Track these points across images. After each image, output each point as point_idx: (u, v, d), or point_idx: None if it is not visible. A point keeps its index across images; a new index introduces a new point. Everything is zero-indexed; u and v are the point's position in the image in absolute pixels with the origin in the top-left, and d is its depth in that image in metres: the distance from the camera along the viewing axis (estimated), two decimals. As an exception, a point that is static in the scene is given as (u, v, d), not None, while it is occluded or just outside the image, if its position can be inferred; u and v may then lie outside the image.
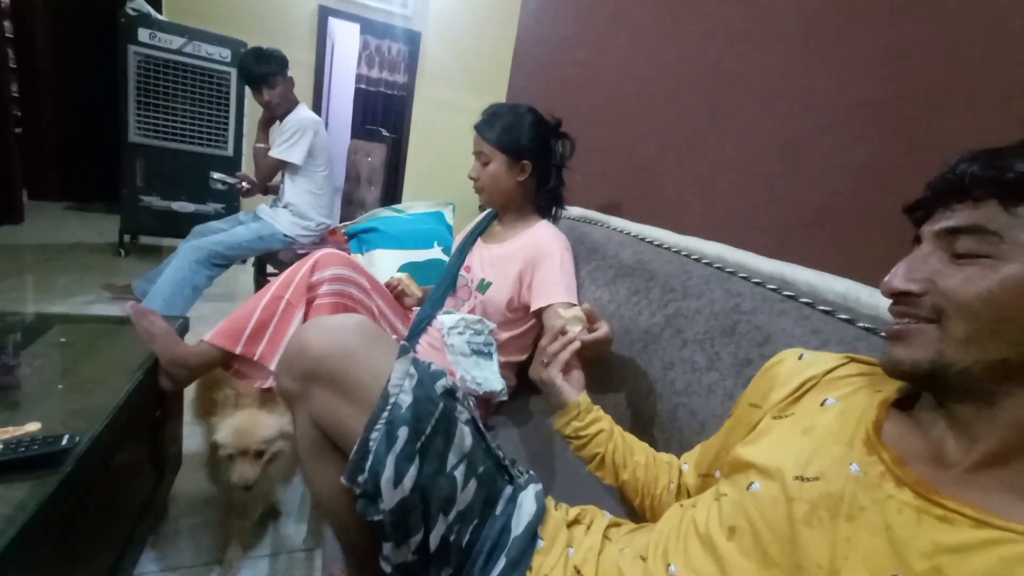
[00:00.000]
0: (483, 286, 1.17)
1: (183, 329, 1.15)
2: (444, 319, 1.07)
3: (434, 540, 0.60)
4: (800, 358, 0.57)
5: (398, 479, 0.57)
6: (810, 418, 0.50)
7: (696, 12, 1.26)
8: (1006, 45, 0.66)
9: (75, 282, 2.48)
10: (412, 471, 0.58)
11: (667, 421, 0.83)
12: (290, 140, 2.08)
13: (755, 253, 0.93)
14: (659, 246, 1.10)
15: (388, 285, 1.33)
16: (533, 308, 1.10)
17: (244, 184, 2.20)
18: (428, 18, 3.88)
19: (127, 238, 3.05)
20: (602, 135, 1.62)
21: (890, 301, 0.46)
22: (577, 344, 0.78)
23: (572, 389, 0.77)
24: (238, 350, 1.03)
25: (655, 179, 1.37)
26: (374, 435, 0.58)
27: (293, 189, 2.16)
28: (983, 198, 0.41)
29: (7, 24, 3.52)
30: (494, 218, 1.30)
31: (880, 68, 0.81)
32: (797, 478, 0.46)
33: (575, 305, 1.06)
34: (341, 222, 2.35)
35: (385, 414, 0.59)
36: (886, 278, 0.45)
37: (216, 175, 2.21)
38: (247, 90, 3.03)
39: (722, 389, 0.76)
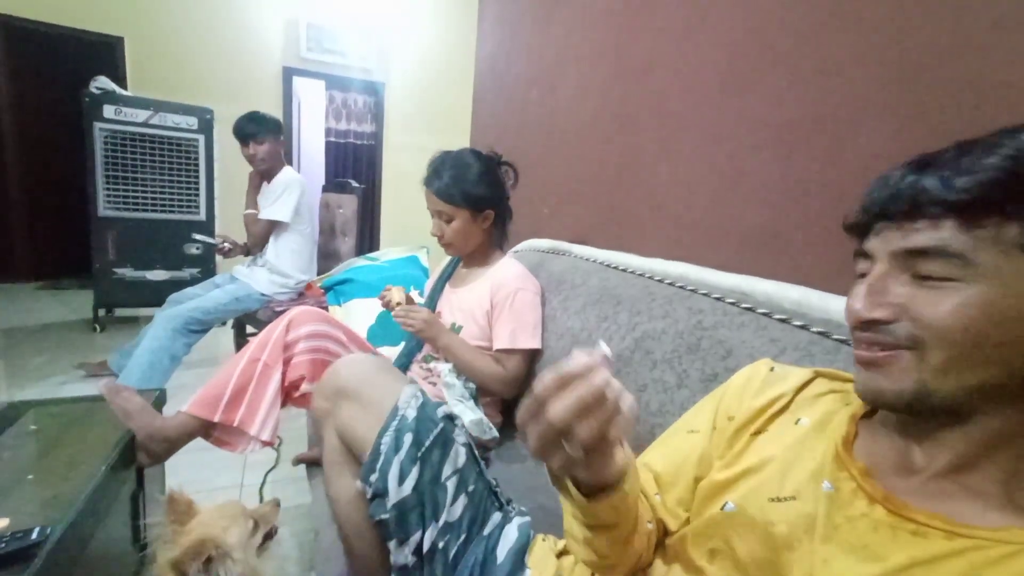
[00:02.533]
0: (455, 330, 1.19)
1: (160, 401, 1.13)
2: (442, 363, 1.10)
3: (427, 543, 0.68)
4: (772, 370, 0.58)
5: (402, 478, 0.68)
6: (784, 437, 0.50)
7: (637, 45, 1.34)
8: (926, 62, 0.72)
9: (49, 363, 2.43)
10: (414, 473, 0.69)
11: (646, 443, 0.84)
12: (279, 199, 2.14)
13: (715, 269, 0.96)
14: (623, 271, 1.13)
15: (383, 298, 1.31)
16: (494, 349, 1.13)
17: (226, 245, 2.22)
18: (389, 69, 4.02)
19: (102, 312, 3.01)
20: (564, 167, 1.68)
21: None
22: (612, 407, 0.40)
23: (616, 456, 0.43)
24: (217, 418, 1.02)
25: (616, 206, 1.42)
26: (385, 439, 0.70)
27: (276, 247, 2.20)
28: (939, 217, 0.39)
29: (-30, 111, 3.55)
30: (459, 262, 1.33)
31: (808, 88, 0.87)
32: (773, 499, 0.46)
33: (515, 351, 1.13)
34: (318, 275, 2.36)
35: (394, 423, 0.71)
36: (851, 303, 0.42)
37: (198, 237, 2.24)
38: (216, 154, 3.08)
39: (693, 405, 0.78)
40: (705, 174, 1.10)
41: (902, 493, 0.41)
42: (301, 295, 2.26)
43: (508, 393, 1.16)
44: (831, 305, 0.74)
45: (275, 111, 3.70)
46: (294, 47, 3.69)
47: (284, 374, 1.09)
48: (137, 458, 0.99)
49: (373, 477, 0.70)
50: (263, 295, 2.13)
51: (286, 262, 2.20)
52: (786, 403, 0.53)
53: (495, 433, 1.05)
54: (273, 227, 2.18)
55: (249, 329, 2.32)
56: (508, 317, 1.14)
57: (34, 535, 0.61)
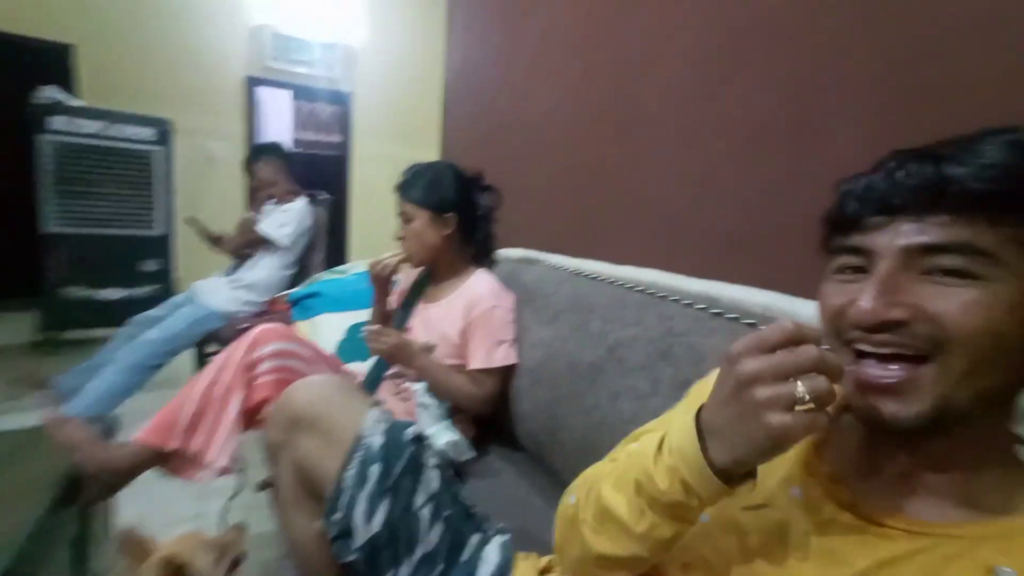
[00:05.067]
0: (427, 349, 1.16)
1: (112, 429, 1.06)
2: (415, 383, 1.08)
3: None
4: None
5: (370, 515, 0.62)
6: None
7: (608, 52, 1.35)
8: (896, 67, 0.73)
9: (-9, 390, 2.27)
10: (383, 507, 0.63)
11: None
12: (285, 223, 2.18)
13: (686, 275, 0.97)
14: (595, 279, 1.13)
15: (375, 265, 1.26)
16: (468, 368, 1.11)
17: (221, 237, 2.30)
18: (356, 79, 3.97)
19: (51, 334, 2.85)
20: (536, 176, 1.68)
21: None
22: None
23: None
24: (172, 446, 0.96)
25: (588, 214, 1.42)
26: (348, 473, 0.64)
27: (256, 264, 2.19)
28: (964, 210, 0.35)
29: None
30: (428, 277, 1.30)
31: (777, 94, 0.88)
32: (746, 508, 0.45)
33: (492, 369, 1.10)
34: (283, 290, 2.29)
35: (359, 454, 0.66)
36: (861, 303, 0.37)
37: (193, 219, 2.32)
38: (176, 167, 2.99)
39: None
40: (676, 180, 1.11)
41: (866, 495, 0.41)
42: (265, 312, 2.19)
43: (484, 411, 1.14)
44: (798, 309, 0.74)
45: (238, 122, 3.61)
46: (258, 56, 3.61)
47: (247, 396, 1.04)
48: (83, 494, 0.92)
49: (337, 516, 0.64)
50: (225, 313, 2.05)
51: (261, 282, 2.17)
52: None
53: (472, 453, 1.03)
54: (264, 244, 2.19)
55: (212, 347, 2.23)
56: (484, 336, 1.12)
57: (-42, 587, 0.55)
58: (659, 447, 0.41)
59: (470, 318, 1.14)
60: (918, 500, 0.39)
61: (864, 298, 0.37)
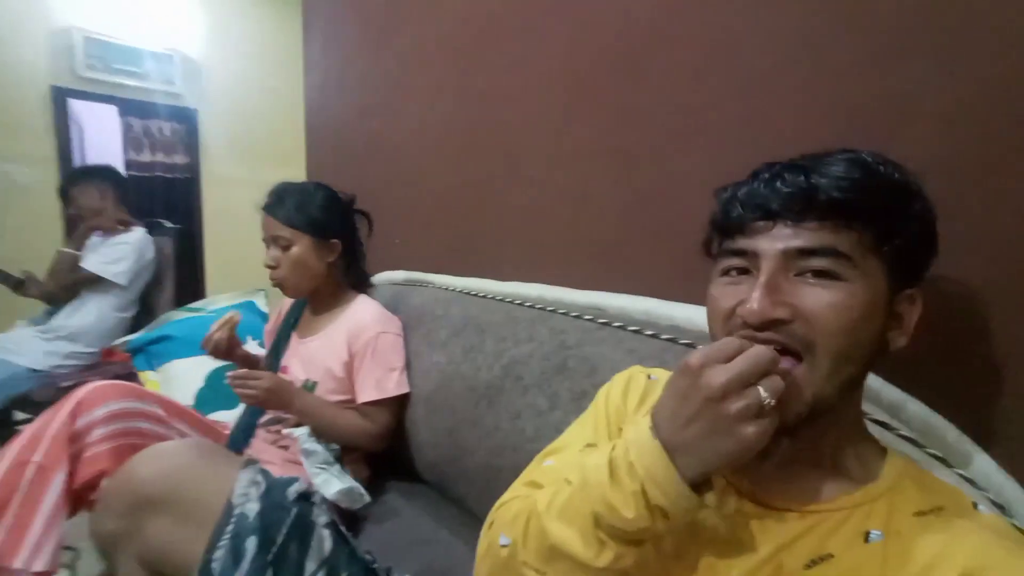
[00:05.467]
0: (308, 388, 1.05)
1: None
2: (296, 429, 0.95)
3: None
4: (650, 378, 0.58)
5: None
6: None
7: (478, 73, 1.36)
8: (745, 86, 0.82)
9: None
10: None
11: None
12: (119, 258, 1.84)
13: (571, 287, 1.00)
14: (484, 297, 1.12)
15: (207, 342, 1.09)
16: (358, 402, 1.03)
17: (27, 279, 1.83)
18: (202, 94, 3.56)
19: None
20: (415, 196, 1.63)
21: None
22: None
23: None
24: (-41, 553, 0.74)
25: (472, 233, 1.41)
26: (217, 554, 0.54)
27: (82, 309, 1.82)
28: (828, 217, 0.40)
29: None
30: (304, 307, 1.19)
31: (640, 113, 0.95)
32: None
33: (383, 401, 1.03)
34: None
35: (230, 527, 0.56)
36: (751, 304, 0.39)
37: None
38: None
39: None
40: (554, 196, 1.15)
41: (761, 482, 0.44)
42: (96, 365, 1.83)
43: (379, 448, 1.06)
44: (675, 312, 0.80)
45: (45, 141, 3.02)
46: (67, 64, 3.05)
47: (72, 475, 0.84)
48: None
49: None
50: (35, 371, 1.67)
51: (88, 329, 1.79)
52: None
53: (367, 498, 0.94)
54: (91, 284, 1.82)
55: (22, 415, 1.79)
56: (372, 366, 1.04)
57: None
58: (611, 474, 0.38)
59: (355, 348, 1.05)
60: (803, 481, 0.43)
61: (753, 299, 0.40)
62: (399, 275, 1.47)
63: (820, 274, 0.39)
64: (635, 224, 0.96)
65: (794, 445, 0.44)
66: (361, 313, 1.11)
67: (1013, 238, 0.53)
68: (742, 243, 0.43)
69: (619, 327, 0.83)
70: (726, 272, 0.45)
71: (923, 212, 0.43)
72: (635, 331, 0.80)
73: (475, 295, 1.14)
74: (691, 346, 0.73)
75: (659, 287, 0.89)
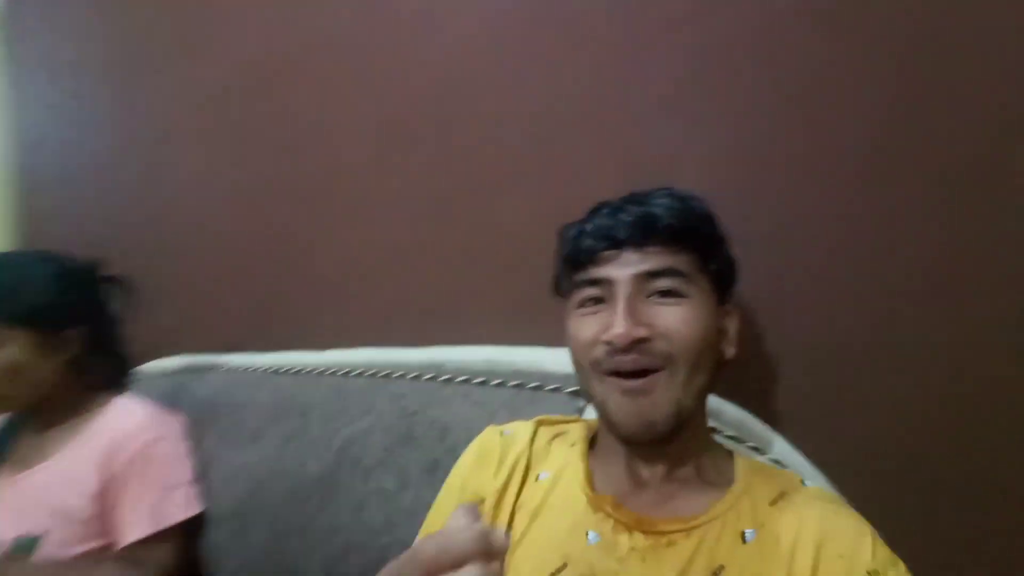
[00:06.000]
0: (24, 546, 0.72)
1: None
2: None
3: None
4: (503, 434, 0.55)
5: None
6: (533, 501, 0.48)
7: (266, 118, 1.22)
8: (553, 136, 0.87)
9: None
10: None
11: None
12: None
13: (403, 347, 0.91)
14: (301, 372, 0.96)
15: None
16: (122, 546, 0.76)
17: None
18: None
19: None
20: (193, 259, 1.35)
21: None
22: None
23: None
24: None
25: (273, 298, 1.22)
26: None
27: None
28: (667, 242, 0.45)
29: None
30: (18, 427, 0.85)
31: (455, 162, 0.94)
32: None
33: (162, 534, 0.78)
34: None
35: None
36: (616, 329, 0.42)
37: None
38: None
39: (423, 505, 0.68)
40: (372, 250, 1.06)
41: (643, 508, 0.44)
42: None
43: None
44: (516, 358, 0.79)
45: None
46: None
47: None
48: None
49: None
50: None
51: None
52: (525, 464, 0.51)
53: None
54: None
55: None
56: (142, 489, 0.77)
57: None
58: None
59: (114, 469, 0.78)
60: (679, 499, 0.44)
61: (617, 323, 0.42)
62: (175, 362, 1.18)
63: (666, 294, 0.44)
64: (464, 272, 0.94)
65: (665, 465, 0.45)
66: (120, 420, 0.83)
67: (764, 265, 0.64)
68: (595, 272, 0.46)
69: (463, 381, 0.78)
70: (582, 304, 0.48)
71: (725, 237, 0.51)
72: (480, 383, 0.76)
73: (288, 372, 0.97)
74: (539, 389, 0.72)
75: (497, 334, 0.87)
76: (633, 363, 0.42)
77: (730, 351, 0.49)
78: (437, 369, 0.82)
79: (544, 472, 0.50)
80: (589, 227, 0.48)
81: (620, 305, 0.43)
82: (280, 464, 0.81)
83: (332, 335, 1.08)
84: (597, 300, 0.46)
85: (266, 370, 1.00)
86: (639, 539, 0.42)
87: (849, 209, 0.62)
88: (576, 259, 0.48)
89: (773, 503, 0.43)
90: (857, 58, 0.62)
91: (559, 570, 0.43)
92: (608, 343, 0.43)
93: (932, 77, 0.58)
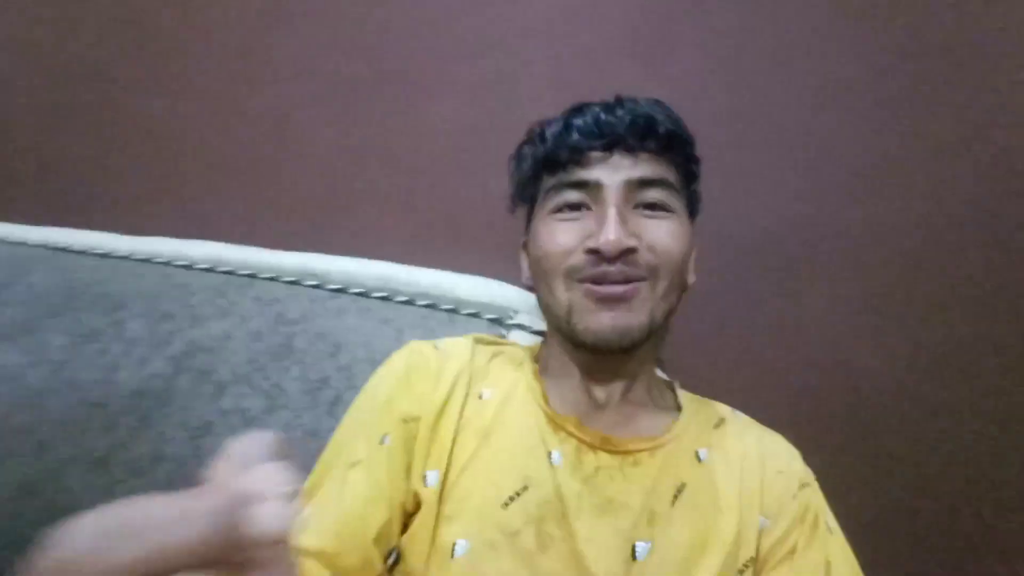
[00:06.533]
0: None
1: None
2: None
3: None
4: (436, 348, 0.47)
5: None
6: (480, 420, 0.42)
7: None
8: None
9: None
10: None
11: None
12: None
13: (261, 247, 0.74)
14: (109, 256, 0.70)
15: None
16: None
17: None
18: None
19: None
20: None
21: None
22: None
23: None
24: None
25: (58, 157, 0.87)
26: None
27: None
28: (663, 150, 0.41)
29: None
30: None
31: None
32: (505, 504, 0.37)
33: None
34: None
35: None
36: (608, 235, 0.38)
37: None
38: None
39: (305, 429, 0.56)
40: (234, 132, 0.83)
41: (607, 427, 0.42)
42: None
43: None
44: (420, 278, 0.70)
45: None
46: None
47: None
48: None
49: None
50: None
51: None
52: (467, 381, 0.45)
53: None
54: None
55: None
56: None
57: None
58: None
59: None
60: (639, 420, 0.43)
61: (609, 229, 0.38)
62: None
63: (652, 206, 0.41)
64: (357, 175, 0.80)
65: (621, 385, 0.44)
66: None
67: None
68: (581, 175, 0.41)
69: (360, 294, 0.66)
70: (559, 209, 0.43)
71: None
72: (382, 298, 0.66)
73: (87, 254, 0.70)
74: (454, 312, 0.64)
75: (387, 250, 0.75)
76: (619, 273, 0.39)
77: (691, 277, 0.47)
78: (319, 278, 0.68)
79: (487, 390, 0.44)
80: (580, 122, 0.42)
81: (611, 211, 0.39)
82: (72, 369, 0.58)
83: (146, 219, 0.82)
84: (576, 206, 0.42)
85: (47, 246, 0.71)
86: (605, 458, 0.40)
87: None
88: (557, 158, 0.42)
89: (716, 427, 0.45)
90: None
91: (520, 492, 0.38)
92: (594, 251, 0.39)
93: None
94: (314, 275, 0.69)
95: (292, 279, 0.67)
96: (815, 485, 0.42)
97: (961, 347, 0.59)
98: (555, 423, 0.42)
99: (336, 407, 0.54)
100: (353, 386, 0.53)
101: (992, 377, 0.58)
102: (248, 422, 0.56)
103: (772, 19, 0.65)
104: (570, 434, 0.41)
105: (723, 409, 0.48)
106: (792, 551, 0.38)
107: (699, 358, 0.64)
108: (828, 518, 0.41)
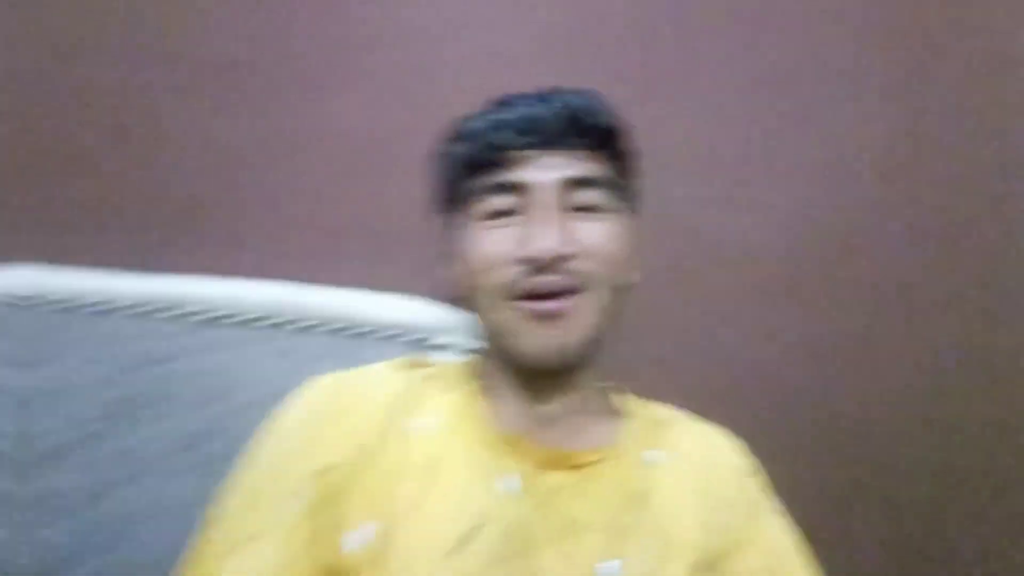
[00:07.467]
0: None
1: None
2: None
3: None
4: (347, 380, 0.41)
5: None
6: (417, 456, 0.36)
7: None
8: None
9: None
10: None
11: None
12: None
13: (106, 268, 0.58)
14: None
15: None
16: None
17: None
18: None
19: None
20: None
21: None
22: None
23: None
24: None
25: None
26: None
27: None
28: (595, 147, 0.38)
29: None
30: None
31: None
32: (459, 548, 0.33)
33: None
34: None
35: None
36: (545, 242, 0.35)
37: None
38: None
39: (172, 499, 0.43)
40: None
41: (558, 442, 0.39)
42: None
43: None
44: (322, 299, 0.61)
45: None
46: None
47: None
48: None
49: None
50: None
51: None
52: (393, 413, 0.39)
53: None
54: None
55: None
56: None
57: None
58: None
59: None
60: (589, 430, 0.40)
61: (545, 235, 0.35)
62: None
63: (585, 208, 0.38)
64: (244, 180, 0.68)
65: (571, 393, 0.40)
66: None
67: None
68: (509, 176, 0.37)
69: (246, 322, 0.55)
70: (488, 216, 0.38)
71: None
72: (276, 325, 0.55)
73: None
74: (366, 336, 0.56)
75: (282, 268, 0.65)
76: (554, 284, 0.36)
77: (636, 276, 0.44)
78: (198, 304, 0.56)
79: (420, 420, 0.39)
80: (507, 117, 0.38)
81: (545, 215, 0.36)
82: None
83: None
84: (505, 212, 0.38)
85: None
86: (560, 477, 0.37)
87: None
88: (482, 159, 0.38)
89: (662, 427, 0.43)
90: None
91: (475, 530, 0.33)
92: (528, 260, 0.35)
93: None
94: (189, 302, 0.56)
95: (148, 308, 0.54)
96: (759, 474, 0.44)
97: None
98: (504, 445, 0.38)
99: (218, 466, 0.43)
100: (240, 437, 0.43)
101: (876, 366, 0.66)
102: (89, 501, 0.42)
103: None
104: (522, 455, 0.37)
105: (664, 409, 0.47)
106: (746, 540, 0.39)
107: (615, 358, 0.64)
108: (774, 503, 0.42)
